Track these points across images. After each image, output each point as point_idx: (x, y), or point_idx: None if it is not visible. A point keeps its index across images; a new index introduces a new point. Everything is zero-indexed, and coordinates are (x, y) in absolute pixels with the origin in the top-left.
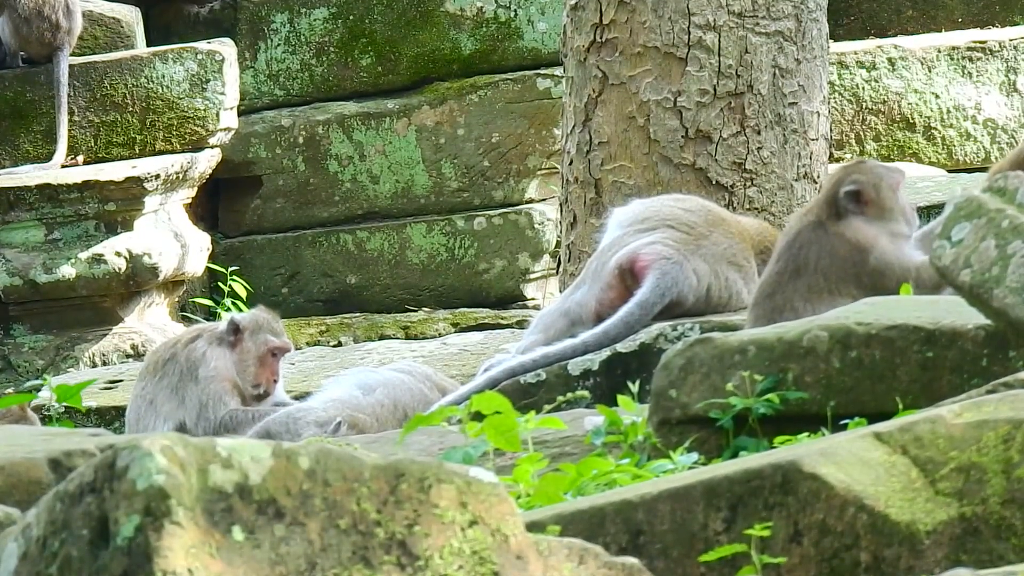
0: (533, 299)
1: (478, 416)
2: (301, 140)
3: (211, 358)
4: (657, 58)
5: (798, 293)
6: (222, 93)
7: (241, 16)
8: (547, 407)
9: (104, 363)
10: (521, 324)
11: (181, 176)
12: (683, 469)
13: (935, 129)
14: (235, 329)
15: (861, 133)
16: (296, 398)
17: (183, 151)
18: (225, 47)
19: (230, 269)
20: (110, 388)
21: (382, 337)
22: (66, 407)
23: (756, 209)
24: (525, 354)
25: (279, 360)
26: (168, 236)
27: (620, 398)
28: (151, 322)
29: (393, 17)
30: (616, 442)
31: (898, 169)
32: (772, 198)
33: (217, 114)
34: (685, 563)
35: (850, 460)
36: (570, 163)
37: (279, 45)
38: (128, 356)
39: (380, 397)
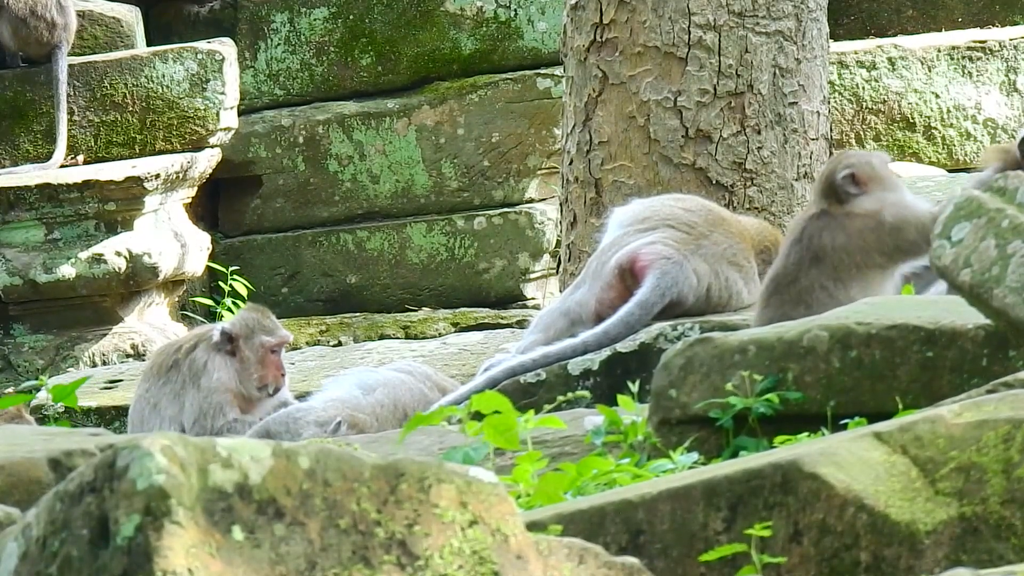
0: (533, 299)
1: (478, 416)
2: (301, 140)
3: (212, 369)
4: (657, 58)
5: (825, 275)
6: (222, 93)
7: (241, 16)
8: (547, 407)
9: (104, 363)
10: (521, 324)
11: (181, 176)
12: (683, 469)
13: (935, 129)
14: (228, 338)
15: (861, 133)
16: (296, 398)
17: (183, 151)
18: (225, 47)
19: (230, 269)
20: (110, 388)
21: (382, 337)
22: (65, 407)
23: (756, 209)
24: (525, 354)
25: (280, 354)
26: (168, 236)
27: (620, 398)
28: (151, 322)
29: (393, 17)
30: (616, 442)
31: (879, 152)
32: (772, 198)
33: (217, 114)
34: (685, 563)
35: (850, 460)
36: (570, 163)
37: (279, 45)
38: (128, 356)
39: (380, 397)
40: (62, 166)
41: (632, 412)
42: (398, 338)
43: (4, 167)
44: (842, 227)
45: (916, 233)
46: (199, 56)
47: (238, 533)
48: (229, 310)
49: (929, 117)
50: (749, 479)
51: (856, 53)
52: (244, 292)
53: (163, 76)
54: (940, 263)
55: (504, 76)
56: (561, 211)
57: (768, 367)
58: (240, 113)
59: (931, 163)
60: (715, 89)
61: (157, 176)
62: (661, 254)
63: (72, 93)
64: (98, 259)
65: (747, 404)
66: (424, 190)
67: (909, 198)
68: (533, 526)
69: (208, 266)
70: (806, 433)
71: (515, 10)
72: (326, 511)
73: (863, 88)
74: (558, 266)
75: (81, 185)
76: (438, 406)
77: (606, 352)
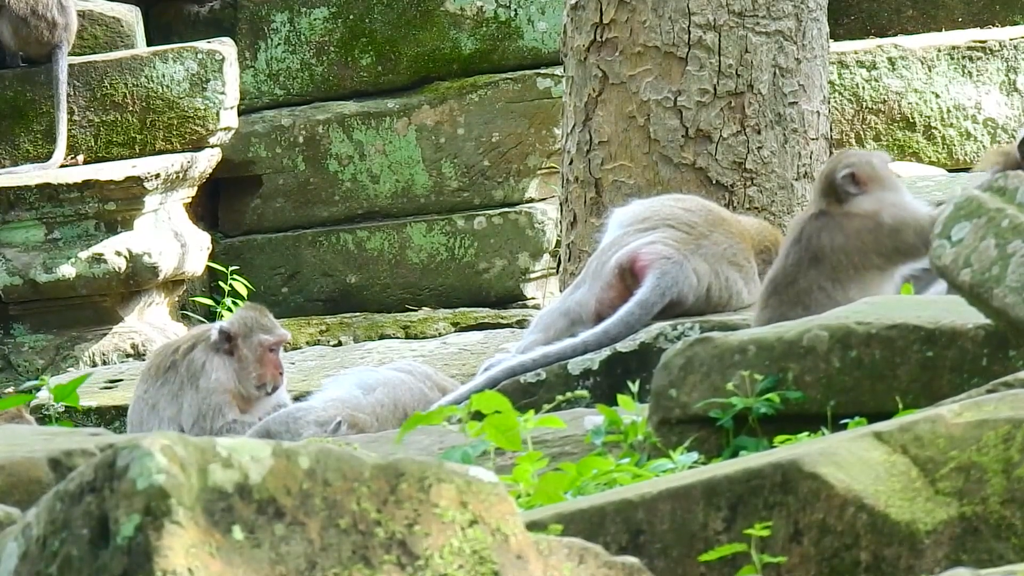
0: (533, 299)
1: (478, 415)
2: (301, 140)
3: (211, 369)
4: (657, 58)
5: (823, 276)
6: (222, 93)
7: (241, 16)
8: (547, 406)
9: (104, 363)
10: (521, 324)
11: (181, 176)
12: (683, 469)
13: (935, 129)
14: (227, 338)
15: (861, 133)
16: (296, 398)
17: (183, 151)
18: (225, 47)
19: (230, 269)
20: (110, 387)
21: (382, 337)
22: (66, 406)
23: (756, 209)
24: (525, 354)
25: (278, 352)
26: (168, 236)
27: (620, 398)
28: (151, 321)
29: (393, 17)
30: (616, 442)
31: (880, 151)
32: (772, 198)
33: (217, 114)
34: (685, 563)
35: (850, 460)
36: (570, 163)
37: (279, 45)
38: (128, 356)
39: (380, 397)
40: (62, 166)
41: (632, 412)
42: (398, 338)
43: (4, 167)
44: (840, 228)
45: (914, 235)
46: (199, 56)
47: (238, 533)
48: (229, 310)
49: (929, 117)
50: (749, 479)
51: (856, 53)
52: (244, 292)
53: (163, 76)
54: (940, 263)
55: (504, 76)
56: (561, 211)
57: (768, 367)
58: (240, 113)
59: (931, 163)
60: (715, 89)
61: (157, 176)
62: (661, 254)
63: (72, 93)
64: (98, 259)
65: (747, 404)
66: (424, 190)
67: (909, 199)
68: (533, 526)
69: (208, 266)
70: (806, 433)
71: (515, 10)
72: (326, 511)
73: (863, 88)
74: (558, 266)
75: (81, 185)
76: (438, 406)
77: (606, 352)
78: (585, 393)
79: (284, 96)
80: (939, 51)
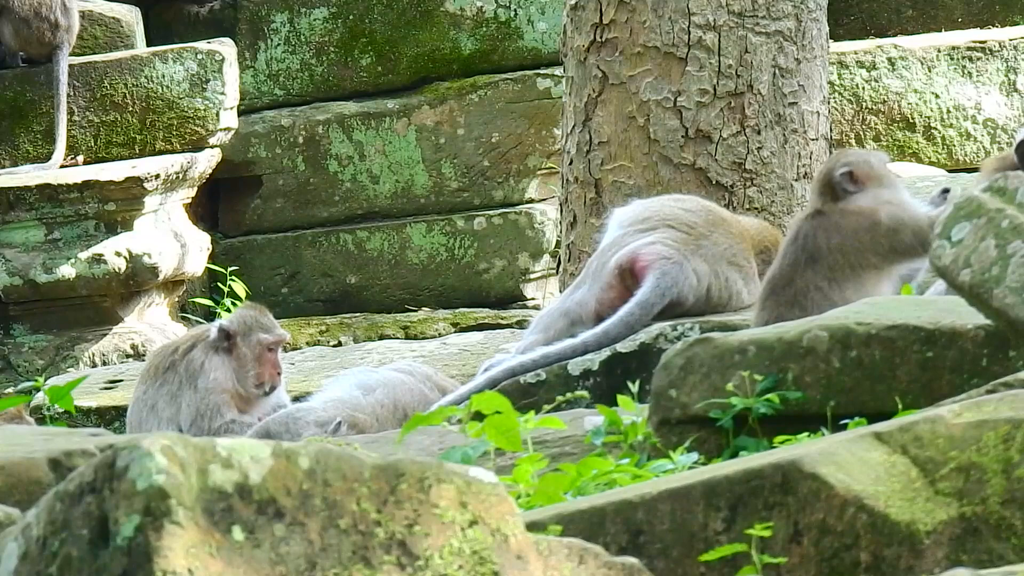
0: (533, 299)
1: (478, 416)
2: (301, 140)
3: (210, 369)
4: (657, 58)
5: (820, 275)
6: (222, 93)
7: (241, 16)
8: (547, 407)
9: (104, 363)
10: (521, 324)
11: (181, 176)
12: (683, 469)
13: (935, 129)
14: (226, 336)
15: (861, 133)
16: (296, 399)
17: (183, 151)
18: (225, 47)
19: (230, 269)
20: (110, 388)
21: (382, 337)
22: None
23: (756, 209)
24: (525, 354)
25: (277, 352)
26: (168, 236)
27: (620, 398)
28: (151, 322)
29: (393, 17)
30: (616, 442)
31: (879, 151)
32: (772, 198)
33: (217, 114)
34: (685, 563)
35: (850, 460)
36: (570, 163)
37: (279, 45)
38: (128, 356)
39: (380, 397)
40: (62, 166)
41: (632, 412)
42: (398, 338)
43: (4, 167)
44: (837, 227)
45: (912, 235)
46: (199, 56)
47: (238, 533)
48: (228, 310)
49: (929, 117)
50: (749, 479)
51: (856, 53)
52: (243, 293)
53: (163, 76)
54: (940, 263)
55: (504, 76)
56: (561, 211)
57: (768, 367)
58: (240, 113)
59: (931, 163)
60: (715, 89)
61: (157, 176)
62: (661, 254)
63: (72, 93)
64: (98, 259)
65: (747, 404)
66: (424, 190)
67: (907, 199)
68: (533, 526)
69: (208, 267)
70: (806, 433)
71: (515, 10)
72: (326, 511)
73: (863, 88)
74: (558, 266)
75: (81, 185)
76: (438, 406)
77: (606, 352)
78: (585, 394)
79: (284, 96)
80: (939, 51)
